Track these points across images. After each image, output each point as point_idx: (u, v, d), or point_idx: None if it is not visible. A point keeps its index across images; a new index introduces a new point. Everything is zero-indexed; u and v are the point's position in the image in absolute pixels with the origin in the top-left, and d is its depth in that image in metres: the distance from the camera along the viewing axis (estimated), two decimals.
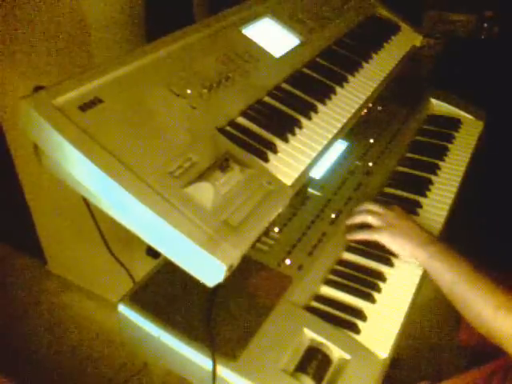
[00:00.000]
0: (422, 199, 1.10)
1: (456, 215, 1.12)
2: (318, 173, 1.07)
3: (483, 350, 1.10)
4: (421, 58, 1.95)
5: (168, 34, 0.83)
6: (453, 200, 1.11)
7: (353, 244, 0.97)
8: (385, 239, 0.93)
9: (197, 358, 0.73)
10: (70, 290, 1.86)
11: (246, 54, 0.89)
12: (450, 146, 1.28)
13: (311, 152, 0.80)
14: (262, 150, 0.75)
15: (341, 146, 1.17)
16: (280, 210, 0.70)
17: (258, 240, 0.89)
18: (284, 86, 0.90)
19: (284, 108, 0.85)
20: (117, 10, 1.22)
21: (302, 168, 0.76)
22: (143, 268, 0.89)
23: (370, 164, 1.16)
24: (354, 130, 1.16)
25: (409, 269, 0.93)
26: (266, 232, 0.92)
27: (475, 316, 0.82)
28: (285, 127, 0.81)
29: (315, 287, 0.87)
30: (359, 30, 1.19)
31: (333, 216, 1.00)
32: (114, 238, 1.00)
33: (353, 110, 0.93)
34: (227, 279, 0.61)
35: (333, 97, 0.93)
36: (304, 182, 0.80)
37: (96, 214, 0.85)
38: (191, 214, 0.61)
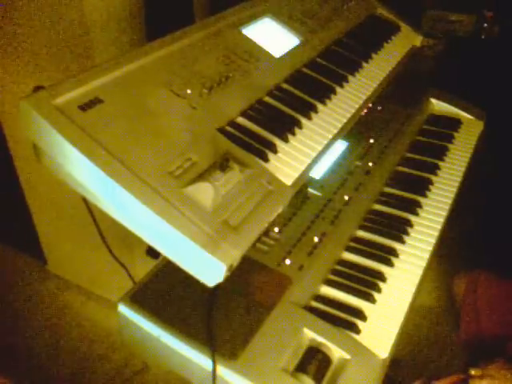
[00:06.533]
0: (422, 199, 1.10)
1: (456, 215, 1.12)
2: (318, 173, 1.07)
3: (482, 350, 1.10)
4: (421, 58, 1.95)
5: (168, 33, 0.83)
6: (453, 200, 1.11)
7: (353, 244, 0.97)
8: None
9: (197, 358, 0.73)
10: (70, 290, 1.85)
11: (246, 53, 0.89)
12: (450, 146, 1.28)
13: (311, 152, 0.80)
14: (262, 149, 0.75)
15: (341, 146, 1.17)
16: (280, 210, 0.70)
17: (258, 240, 0.89)
18: (284, 85, 0.90)
19: (284, 108, 0.85)
20: (117, 10, 1.22)
21: (302, 168, 0.76)
22: (143, 268, 0.89)
23: (370, 164, 1.16)
24: (354, 130, 1.16)
25: (409, 269, 0.93)
26: (266, 232, 0.92)
27: None
28: (285, 127, 0.81)
29: (315, 287, 0.87)
30: (359, 29, 1.19)
31: (333, 216, 1.00)
32: (114, 238, 1.00)
33: (353, 110, 0.93)
34: (227, 279, 0.61)
35: (333, 97, 0.93)
36: (304, 182, 0.80)
37: (96, 214, 0.85)
38: (191, 213, 0.61)
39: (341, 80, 0.98)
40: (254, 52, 0.91)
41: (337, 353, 0.77)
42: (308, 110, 0.87)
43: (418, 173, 1.18)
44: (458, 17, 2.12)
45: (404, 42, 1.26)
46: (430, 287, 1.85)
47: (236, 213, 0.64)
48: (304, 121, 0.84)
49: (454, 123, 1.36)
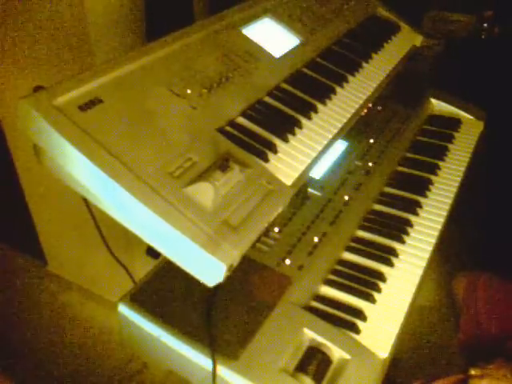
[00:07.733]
0: (422, 199, 1.10)
1: (456, 216, 1.12)
2: (318, 173, 1.07)
3: (482, 350, 1.10)
4: (421, 58, 1.95)
5: (168, 33, 0.83)
6: (453, 200, 1.11)
7: (353, 244, 0.97)
8: None
9: (197, 358, 0.73)
10: (70, 290, 1.85)
11: (246, 53, 0.89)
12: (449, 146, 1.28)
13: (311, 152, 0.80)
14: (262, 149, 0.75)
15: (341, 146, 1.17)
16: (280, 210, 0.70)
17: (258, 240, 0.89)
18: (284, 85, 0.90)
19: (284, 108, 0.85)
20: (117, 10, 1.22)
21: (302, 168, 0.76)
22: (143, 268, 0.89)
23: (370, 164, 1.16)
24: (354, 130, 1.16)
25: (409, 269, 0.93)
26: (266, 232, 0.92)
27: None
28: (285, 127, 0.81)
29: (315, 287, 0.87)
30: (359, 29, 1.19)
31: (333, 216, 1.00)
32: (114, 238, 1.00)
33: (353, 110, 0.93)
34: (227, 279, 0.61)
35: (333, 97, 0.93)
36: (304, 182, 0.80)
37: (96, 214, 0.85)
38: (191, 213, 0.61)
39: (341, 80, 0.98)
40: (254, 52, 0.91)
41: (337, 353, 0.77)
42: (308, 109, 0.87)
43: (418, 173, 1.18)
44: (458, 17, 2.13)
45: (404, 42, 1.26)
46: (430, 287, 1.85)
47: (236, 213, 0.64)
48: (304, 121, 0.84)
49: (454, 123, 1.36)
